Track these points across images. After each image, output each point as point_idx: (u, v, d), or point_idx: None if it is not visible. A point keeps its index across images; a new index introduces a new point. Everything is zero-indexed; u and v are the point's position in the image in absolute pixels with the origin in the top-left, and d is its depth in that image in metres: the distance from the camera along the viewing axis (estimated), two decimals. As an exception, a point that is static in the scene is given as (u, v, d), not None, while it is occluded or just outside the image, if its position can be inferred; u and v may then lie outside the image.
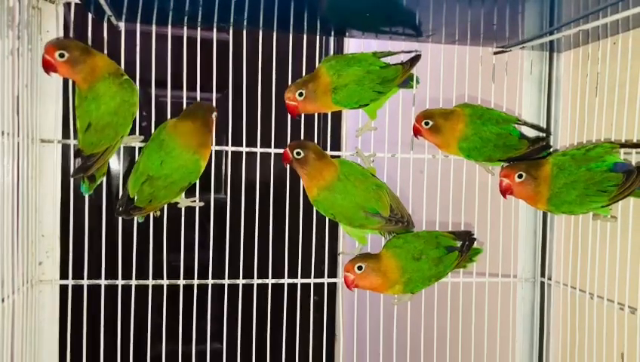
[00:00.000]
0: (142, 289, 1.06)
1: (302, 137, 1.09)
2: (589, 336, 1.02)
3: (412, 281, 1.03)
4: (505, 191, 1.00)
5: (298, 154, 1.02)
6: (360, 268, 1.01)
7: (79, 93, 0.96)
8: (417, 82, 1.10)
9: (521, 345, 1.21)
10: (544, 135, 1.12)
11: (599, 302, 1.01)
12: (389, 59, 1.07)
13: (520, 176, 0.98)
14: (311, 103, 1.03)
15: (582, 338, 1.04)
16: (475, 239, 1.09)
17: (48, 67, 0.92)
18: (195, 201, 1.06)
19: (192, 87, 1.03)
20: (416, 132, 1.07)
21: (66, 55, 0.91)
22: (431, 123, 1.05)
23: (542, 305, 1.20)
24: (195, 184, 1.03)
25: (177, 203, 1.05)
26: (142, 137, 1.03)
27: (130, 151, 1.06)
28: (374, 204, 1.04)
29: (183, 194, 1.04)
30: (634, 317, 0.94)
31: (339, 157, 1.13)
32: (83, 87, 0.95)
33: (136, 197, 0.98)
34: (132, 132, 1.03)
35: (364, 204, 1.03)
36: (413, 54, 1.08)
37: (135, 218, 1.03)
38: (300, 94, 1.02)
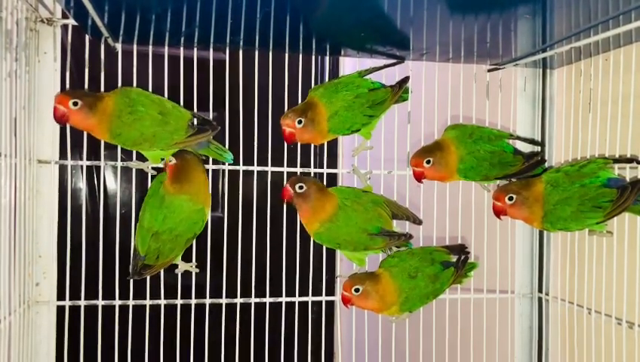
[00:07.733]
0: (139, 310, 1.05)
1: (299, 155, 1.09)
2: (588, 351, 1.02)
3: (409, 300, 1.03)
4: (498, 214, 1.01)
5: (300, 188, 1.00)
6: (357, 290, 1.01)
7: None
8: (410, 92, 1.10)
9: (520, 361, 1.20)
10: (539, 149, 1.12)
11: (597, 317, 1.01)
12: (382, 79, 1.07)
13: (510, 199, 0.98)
14: (308, 132, 1.01)
15: (580, 353, 1.04)
16: (469, 253, 1.09)
17: None
18: (192, 266, 1.07)
19: (189, 107, 1.03)
20: (419, 176, 1.05)
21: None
22: (432, 160, 1.04)
23: (540, 321, 1.20)
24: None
25: (176, 266, 1.05)
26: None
27: (126, 170, 1.06)
28: (376, 222, 1.04)
29: (180, 259, 1.05)
30: (632, 332, 0.93)
31: (335, 174, 1.14)
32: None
33: (146, 255, 0.99)
34: (129, 152, 1.03)
35: (366, 226, 1.03)
36: (400, 72, 1.09)
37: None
38: (300, 122, 0.99)
